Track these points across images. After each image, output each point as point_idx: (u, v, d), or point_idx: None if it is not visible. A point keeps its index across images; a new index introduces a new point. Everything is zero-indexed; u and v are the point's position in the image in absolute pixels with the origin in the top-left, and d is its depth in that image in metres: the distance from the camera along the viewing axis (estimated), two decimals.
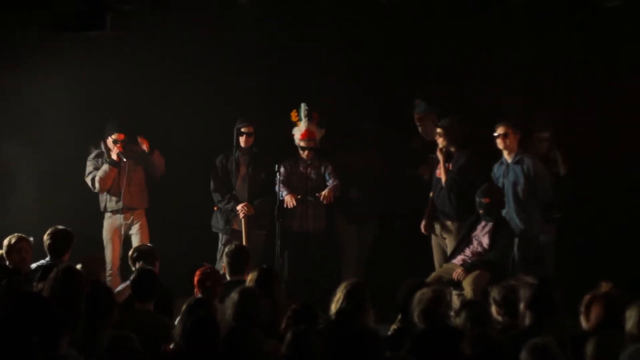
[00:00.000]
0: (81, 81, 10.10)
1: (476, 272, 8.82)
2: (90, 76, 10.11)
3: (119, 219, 10.03)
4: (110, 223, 10.06)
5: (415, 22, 10.09)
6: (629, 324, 5.48)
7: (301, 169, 9.97)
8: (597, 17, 9.65)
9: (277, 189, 9.63)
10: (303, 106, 9.89)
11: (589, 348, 5.29)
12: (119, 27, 8.84)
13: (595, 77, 10.01)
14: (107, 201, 10.06)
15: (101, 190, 10.01)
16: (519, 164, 9.25)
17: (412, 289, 6.42)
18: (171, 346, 6.10)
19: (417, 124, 10.04)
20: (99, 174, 9.97)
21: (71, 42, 9.74)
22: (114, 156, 9.97)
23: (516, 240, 9.16)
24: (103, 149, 10.08)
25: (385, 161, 10.12)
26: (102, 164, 10.01)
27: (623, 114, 9.77)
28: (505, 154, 9.34)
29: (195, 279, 7.37)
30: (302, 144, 9.94)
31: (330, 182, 9.89)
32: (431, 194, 9.72)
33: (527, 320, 5.96)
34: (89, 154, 10.16)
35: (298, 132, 9.94)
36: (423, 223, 9.70)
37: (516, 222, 9.21)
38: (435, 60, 10.30)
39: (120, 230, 10.04)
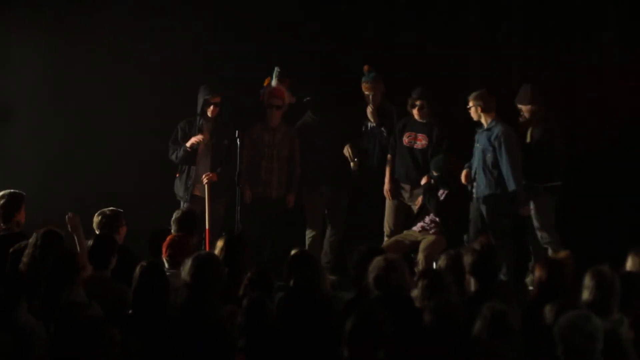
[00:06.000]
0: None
1: (432, 239, 8.92)
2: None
3: None
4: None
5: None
6: (585, 293, 5.57)
7: (267, 135, 9.97)
8: None
9: (237, 156, 9.57)
10: (276, 69, 9.90)
11: (548, 315, 5.38)
12: None
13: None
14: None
15: None
16: (489, 131, 9.31)
17: (363, 255, 6.45)
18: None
19: (366, 92, 9.85)
20: None
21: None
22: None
23: (482, 207, 9.24)
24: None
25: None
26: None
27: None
28: (482, 120, 9.34)
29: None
30: (270, 101, 9.88)
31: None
32: (389, 157, 9.74)
33: (472, 287, 6.03)
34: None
35: (267, 92, 9.91)
36: (387, 187, 9.72)
37: (481, 188, 9.28)
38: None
39: None
